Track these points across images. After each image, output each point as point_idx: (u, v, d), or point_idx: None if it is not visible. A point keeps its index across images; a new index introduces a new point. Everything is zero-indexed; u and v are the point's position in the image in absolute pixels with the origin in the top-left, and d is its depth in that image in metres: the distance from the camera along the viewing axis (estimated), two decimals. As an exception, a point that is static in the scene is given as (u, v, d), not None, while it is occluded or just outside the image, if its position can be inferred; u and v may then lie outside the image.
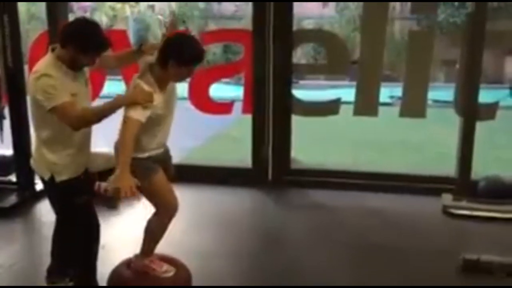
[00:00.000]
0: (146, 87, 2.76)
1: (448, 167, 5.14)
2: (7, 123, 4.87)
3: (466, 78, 4.80)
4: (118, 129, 2.76)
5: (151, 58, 2.91)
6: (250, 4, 5.34)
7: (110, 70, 3.74)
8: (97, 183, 3.21)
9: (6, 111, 4.87)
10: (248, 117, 5.21)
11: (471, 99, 4.79)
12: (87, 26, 2.74)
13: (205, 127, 7.92)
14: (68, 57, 2.70)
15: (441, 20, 13.62)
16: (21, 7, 5.13)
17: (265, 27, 4.97)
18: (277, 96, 5.10)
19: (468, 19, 4.93)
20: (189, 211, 4.09)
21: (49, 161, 2.82)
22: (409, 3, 5.58)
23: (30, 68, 3.33)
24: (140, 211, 3.32)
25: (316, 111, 5.29)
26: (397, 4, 15.17)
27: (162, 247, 3.18)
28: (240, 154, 5.89)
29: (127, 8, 16.22)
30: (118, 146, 2.76)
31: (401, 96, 5.01)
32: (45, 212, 3.81)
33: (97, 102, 3.14)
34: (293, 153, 5.33)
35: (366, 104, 4.97)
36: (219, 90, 6.04)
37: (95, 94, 4.23)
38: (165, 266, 3.14)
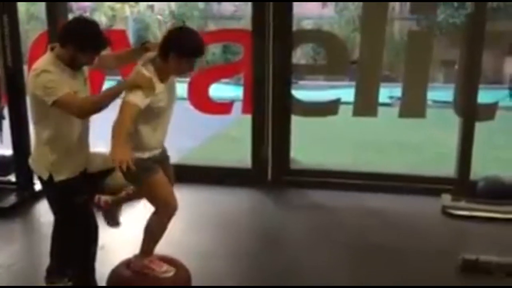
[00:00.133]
0: (146, 73, 2.77)
1: (448, 168, 5.14)
2: (6, 123, 4.87)
3: (466, 78, 4.81)
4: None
5: (152, 54, 2.91)
6: (249, 4, 5.32)
7: (109, 70, 3.74)
8: (97, 196, 3.22)
9: (6, 111, 4.86)
10: (248, 117, 5.20)
11: (471, 100, 4.80)
12: (86, 25, 2.75)
13: (205, 127, 7.91)
14: (67, 56, 2.71)
15: (440, 21, 13.58)
16: (21, 7, 5.12)
17: (265, 27, 4.96)
18: (277, 96, 5.09)
19: (468, 19, 4.94)
20: (189, 211, 4.09)
21: (48, 160, 2.82)
22: (408, 3, 5.56)
23: (30, 68, 3.33)
24: (139, 211, 3.32)
25: (316, 112, 5.28)
26: (397, 4, 15.17)
27: (162, 247, 3.18)
28: (239, 154, 5.89)
29: (127, 8, 16.20)
30: (114, 125, 2.68)
31: (400, 96, 5.01)
32: (44, 212, 3.80)
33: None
34: (293, 153, 5.33)
35: (366, 105, 4.97)
36: (219, 90, 6.04)
37: (95, 93, 4.20)
38: (165, 266, 3.14)
